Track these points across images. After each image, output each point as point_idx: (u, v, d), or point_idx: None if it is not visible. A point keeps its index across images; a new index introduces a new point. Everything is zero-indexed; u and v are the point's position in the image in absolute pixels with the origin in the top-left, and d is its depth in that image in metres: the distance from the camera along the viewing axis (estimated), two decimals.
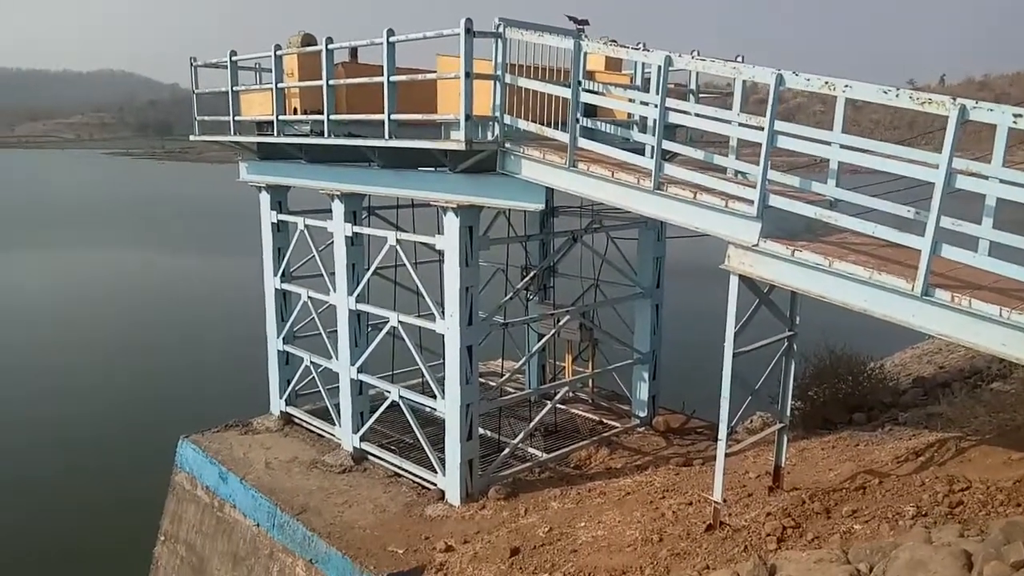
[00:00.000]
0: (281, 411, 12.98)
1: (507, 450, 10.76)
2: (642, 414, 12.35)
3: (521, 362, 12.94)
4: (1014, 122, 5.34)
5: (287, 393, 12.86)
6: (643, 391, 12.31)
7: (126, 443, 23.48)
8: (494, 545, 8.64)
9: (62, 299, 43.44)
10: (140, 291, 46.03)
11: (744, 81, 7.36)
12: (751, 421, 12.25)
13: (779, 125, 6.41)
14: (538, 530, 8.73)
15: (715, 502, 7.40)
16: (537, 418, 11.27)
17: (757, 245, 6.64)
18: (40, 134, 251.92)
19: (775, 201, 6.59)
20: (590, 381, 13.39)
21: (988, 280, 5.86)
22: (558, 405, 12.15)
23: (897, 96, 5.84)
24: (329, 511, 10.01)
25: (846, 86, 6.08)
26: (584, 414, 12.94)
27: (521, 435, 10.90)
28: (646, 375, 12.23)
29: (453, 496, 9.94)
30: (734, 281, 6.88)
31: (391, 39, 8.62)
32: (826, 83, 6.14)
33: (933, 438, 8.75)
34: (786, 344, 8.08)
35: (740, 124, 6.94)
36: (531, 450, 11.35)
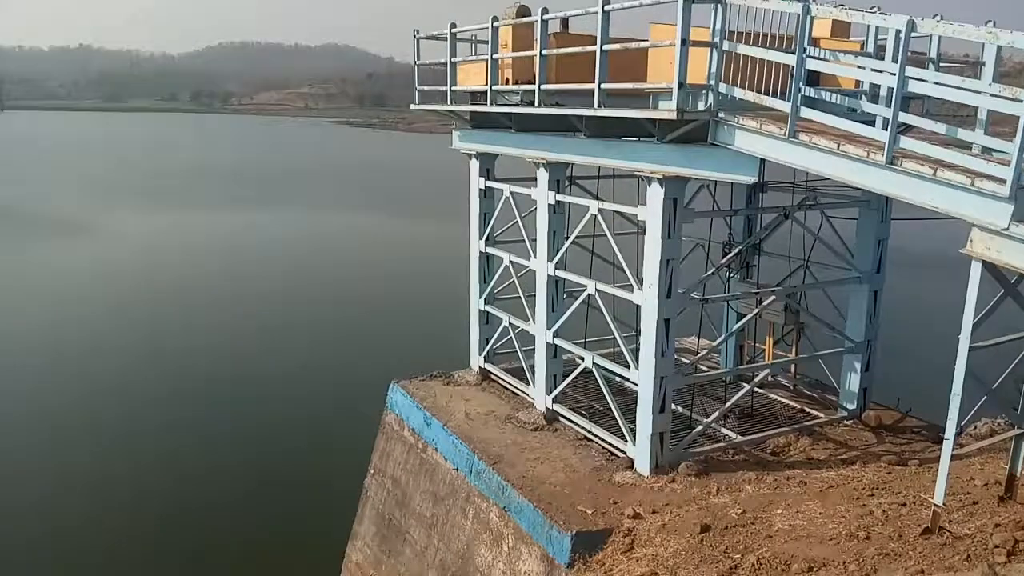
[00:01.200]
0: (480, 367, 13.72)
1: (700, 428, 10.61)
2: (851, 407, 11.57)
3: (719, 341, 12.60)
4: None
5: (486, 351, 13.56)
6: (854, 382, 11.51)
7: (343, 393, 26.07)
8: (683, 519, 8.62)
9: (305, 255, 48.72)
10: (367, 248, 50.63)
11: (999, 48, 6.53)
12: (975, 427, 11.08)
13: None
14: (730, 511, 8.58)
15: (935, 505, 6.84)
16: (734, 399, 10.98)
17: (1007, 229, 5.93)
18: (274, 102, 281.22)
19: None
20: (793, 366, 12.75)
21: None
22: (756, 388, 11.72)
23: None
24: (522, 464, 10.48)
25: None
26: (784, 400, 12.38)
27: (716, 414, 10.68)
28: (858, 365, 11.40)
29: (642, 466, 10.01)
30: (976, 268, 6.22)
31: (606, 8, 8.63)
32: None
33: None
34: None
35: (994, 95, 6.18)
36: (725, 431, 11.09)
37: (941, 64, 8.59)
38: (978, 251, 6.20)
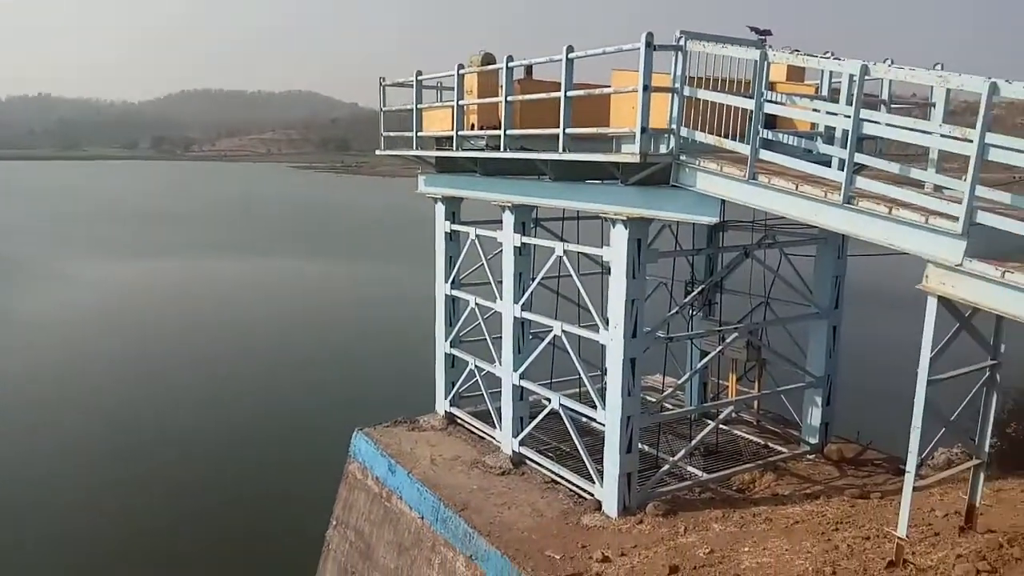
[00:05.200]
0: (446, 411, 13.57)
1: (666, 467, 10.60)
2: (813, 441, 11.71)
3: (683, 379, 12.71)
4: None
5: (452, 394, 13.43)
6: (815, 417, 11.67)
7: (304, 437, 25.46)
8: (652, 561, 8.54)
9: (253, 303, 47.93)
10: (322, 294, 49.99)
11: (948, 90, 6.87)
12: (934, 458, 11.28)
13: (990, 137, 5.92)
14: (698, 550, 8.54)
15: (898, 538, 6.91)
16: (699, 436, 11.01)
17: (961, 265, 6.15)
18: (236, 148, 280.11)
19: (983, 218, 6.09)
20: (755, 402, 12.89)
21: None
22: (721, 425, 11.80)
23: None
24: (489, 511, 10.32)
25: None
26: (748, 436, 12.47)
27: (682, 452, 10.71)
28: (819, 400, 11.59)
29: (610, 507, 9.93)
30: (932, 303, 6.41)
31: (570, 56, 8.85)
32: None
33: None
34: (988, 374, 7.41)
35: (944, 136, 6.47)
36: (691, 469, 11.10)
37: (892, 105, 8.96)
38: (933, 287, 6.40)
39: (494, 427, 12.28)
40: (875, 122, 6.95)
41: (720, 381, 13.45)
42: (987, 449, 7.62)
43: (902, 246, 6.64)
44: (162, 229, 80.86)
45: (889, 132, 6.91)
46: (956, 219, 6.15)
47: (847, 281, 11.54)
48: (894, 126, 6.91)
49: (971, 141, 5.99)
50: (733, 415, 12.68)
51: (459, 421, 13.42)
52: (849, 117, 6.74)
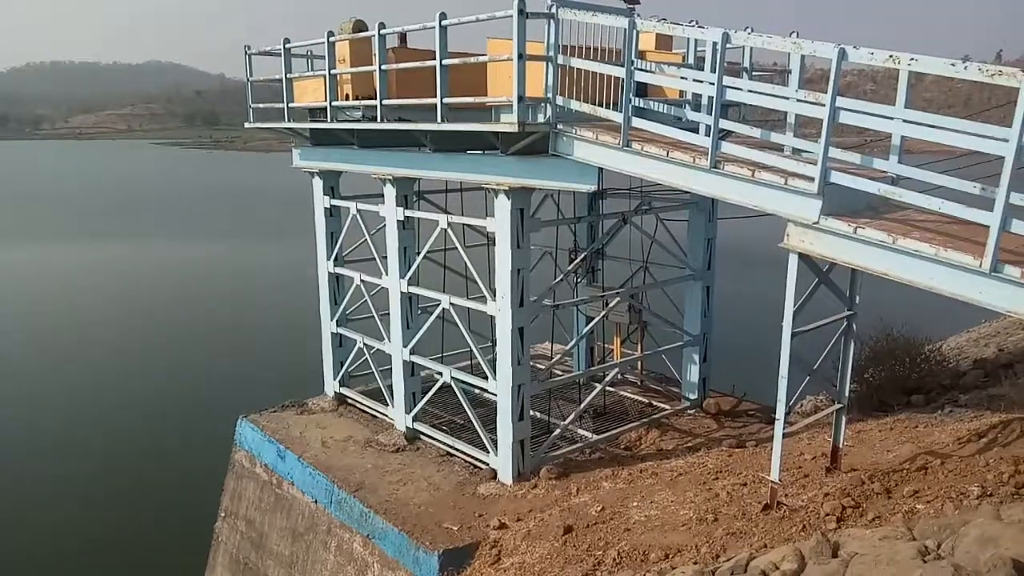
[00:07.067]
0: (335, 392, 13.27)
1: (557, 431, 10.85)
2: (692, 396, 12.31)
3: (570, 345, 13.00)
4: None
5: (341, 374, 13.14)
6: (694, 373, 12.26)
7: (188, 425, 24.29)
8: (547, 523, 8.74)
9: (122, 288, 44.89)
10: (198, 279, 47.32)
11: (803, 56, 7.24)
12: (802, 405, 12.11)
13: (841, 101, 6.30)
14: (590, 509, 8.81)
15: (772, 482, 7.37)
16: (587, 400, 11.32)
17: (818, 223, 6.55)
18: (92, 125, 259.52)
19: (836, 178, 6.49)
20: (639, 363, 13.38)
21: None
22: (607, 387, 12.17)
23: (966, 68, 5.68)
24: (384, 489, 10.23)
25: (912, 59, 5.94)
26: (633, 396, 12.95)
27: (571, 416, 10.97)
28: (696, 357, 12.16)
29: (505, 475, 10.07)
30: (793, 260, 6.80)
31: (443, 23, 8.69)
32: (891, 57, 6.00)
33: (996, 419, 8.56)
34: (845, 324, 7.98)
35: (800, 100, 6.84)
36: (581, 431, 11.41)
37: (754, 73, 9.37)
38: (794, 244, 6.79)
39: (386, 405, 12.13)
40: (738, 88, 7.24)
41: (606, 345, 13.86)
42: (847, 394, 8.23)
43: (765, 207, 7.00)
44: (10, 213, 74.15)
45: (751, 98, 7.22)
46: (812, 180, 6.52)
47: (719, 243, 12.09)
48: (755, 92, 7.22)
49: (823, 105, 6.35)
50: (619, 377, 13.12)
51: (350, 401, 13.17)
52: (713, 84, 6.99)
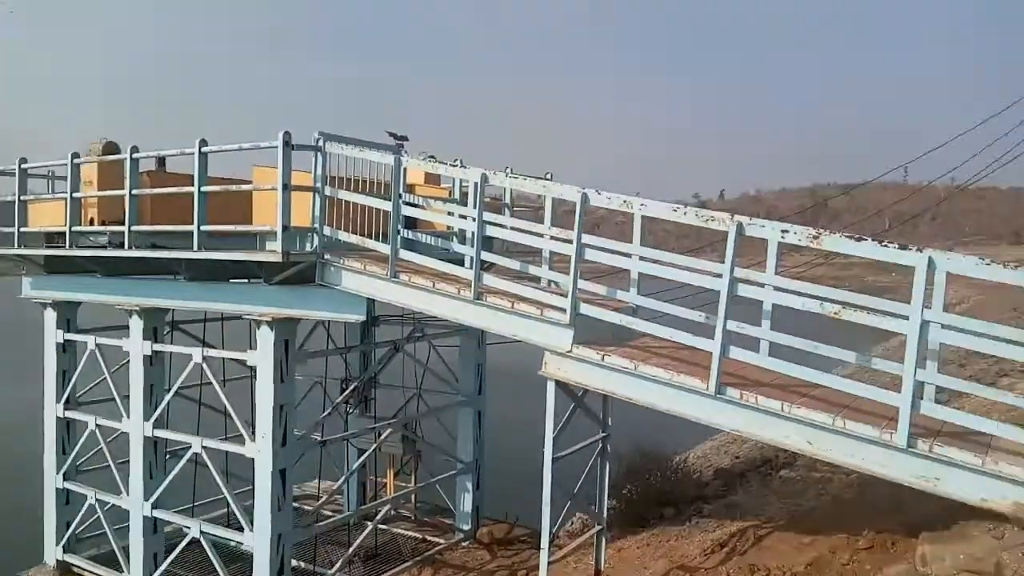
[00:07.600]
0: (58, 560, 11.20)
1: None
2: (466, 527, 12.11)
3: (340, 482, 12.36)
4: (782, 237, 6.20)
5: (66, 538, 11.19)
6: (467, 502, 12.14)
7: None
8: None
9: None
10: None
11: (553, 197, 7.98)
12: (572, 523, 12.44)
13: (586, 238, 6.96)
14: None
15: None
16: (356, 543, 10.68)
17: (571, 351, 7.00)
18: None
19: (585, 309, 7.05)
20: (413, 496, 12.99)
21: (770, 377, 6.56)
22: (380, 525, 11.61)
23: (685, 214, 6.61)
24: None
25: (642, 204, 6.80)
26: (407, 533, 12.45)
27: (338, 564, 10.25)
28: (470, 485, 12.10)
29: None
30: (551, 387, 7.15)
31: (203, 149, 8.43)
32: (624, 202, 6.84)
33: (734, 528, 9.37)
34: (600, 446, 8.44)
35: (551, 237, 7.46)
36: None
37: (516, 207, 10.10)
38: (551, 372, 7.18)
39: (121, 571, 10.45)
40: (499, 225, 7.76)
41: (379, 479, 13.35)
42: (605, 515, 8.60)
43: (525, 337, 7.38)
44: None
45: (509, 235, 7.76)
46: (564, 311, 7.04)
47: (492, 367, 12.44)
48: (515, 229, 7.78)
49: (571, 242, 6.99)
50: (392, 512, 12.62)
51: (76, 570, 11.16)
52: (475, 220, 7.42)
